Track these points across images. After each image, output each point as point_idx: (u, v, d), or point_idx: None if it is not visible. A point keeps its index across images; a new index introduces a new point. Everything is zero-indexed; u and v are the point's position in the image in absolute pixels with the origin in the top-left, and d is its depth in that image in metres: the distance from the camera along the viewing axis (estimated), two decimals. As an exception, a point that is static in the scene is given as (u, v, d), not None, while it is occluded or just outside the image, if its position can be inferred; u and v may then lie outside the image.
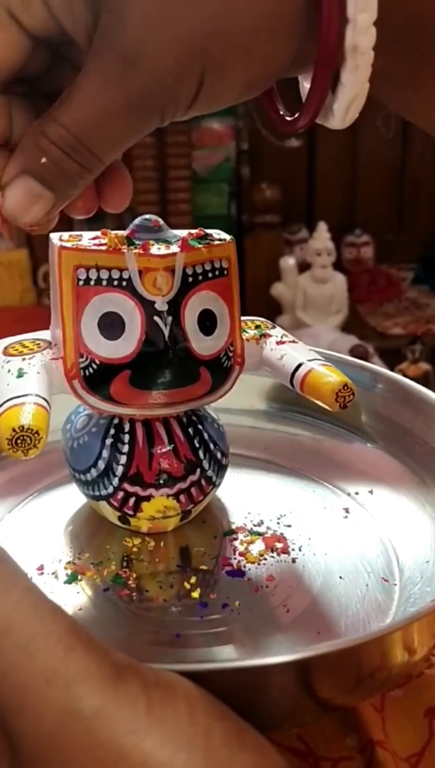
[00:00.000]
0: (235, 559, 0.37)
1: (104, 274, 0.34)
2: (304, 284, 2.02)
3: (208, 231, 0.38)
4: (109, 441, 0.37)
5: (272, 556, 0.38)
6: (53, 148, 0.26)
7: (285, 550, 0.38)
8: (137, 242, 0.35)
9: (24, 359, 0.35)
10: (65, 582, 0.35)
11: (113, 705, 0.20)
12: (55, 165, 0.27)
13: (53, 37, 0.27)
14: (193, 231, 0.37)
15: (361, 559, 0.37)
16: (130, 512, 0.37)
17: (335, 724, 0.32)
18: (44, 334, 0.37)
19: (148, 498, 0.37)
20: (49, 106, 0.29)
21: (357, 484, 0.44)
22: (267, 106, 0.31)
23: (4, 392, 0.33)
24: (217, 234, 0.38)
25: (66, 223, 0.33)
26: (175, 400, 0.36)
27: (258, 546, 0.38)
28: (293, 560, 0.37)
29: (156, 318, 0.34)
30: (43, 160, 0.27)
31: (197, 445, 0.38)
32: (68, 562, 0.37)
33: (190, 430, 0.38)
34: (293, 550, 0.38)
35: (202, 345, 0.36)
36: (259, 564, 0.37)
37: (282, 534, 0.39)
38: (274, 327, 0.42)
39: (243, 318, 0.39)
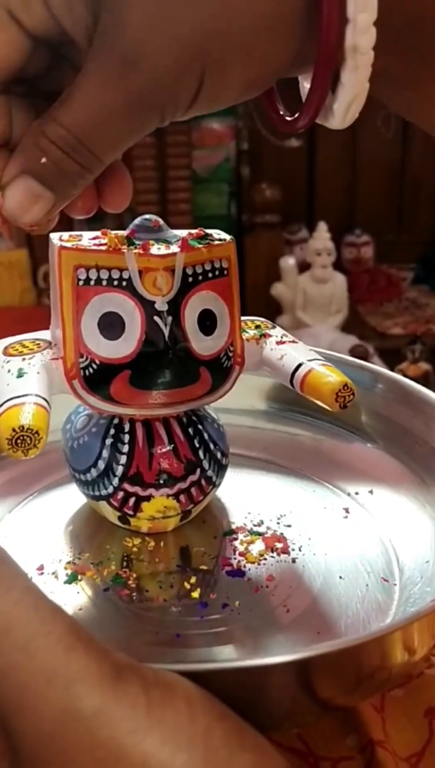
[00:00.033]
0: (235, 559, 0.37)
1: (104, 274, 0.34)
2: (304, 284, 2.02)
3: (208, 231, 0.38)
4: (109, 441, 0.37)
5: (272, 556, 0.38)
6: (53, 148, 0.26)
7: (285, 550, 0.38)
8: (137, 242, 0.35)
9: (24, 359, 0.35)
10: (65, 582, 0.35)
11: (113, 705, 0.20)
12: (55, 165, 0.27)
13: (53, 37, 0.27)
14: (193, 231, 0.37)
15: (361, 559, 0.37)
16: (130, 512, 0.37)
17: (335, 724, 0.32)
18: (44, 334, 0.37)
19: (148, 498, 0.37)
20: (49, 106, 0.29)
21: (357, 484, 0.44)
22: (267, 106, 0.31)
23: (4, 392, 0.33)
24: (217, 234, 0.38)
25: (66, 223, 0.33)
26: (175, 400, 0.36)
27: (258, 546, 0.38)
28: (293, 560, 0.37)
29: (156, 318, 0.34)
30: (43, 160, 0.27)
31: (197, 445, 0.38)
32: (68, 562, 0.37)
33: (190, 430, 0.38)
34: (293, 550, 0.38)
35: (202, 345, 0.36)
36: (259, 564, 0.37)
37: (282, 534, 0.39)
38: (274, 327, 0.42)
39: (243, 318, 0.39)
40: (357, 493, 0.43)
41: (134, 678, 0.20)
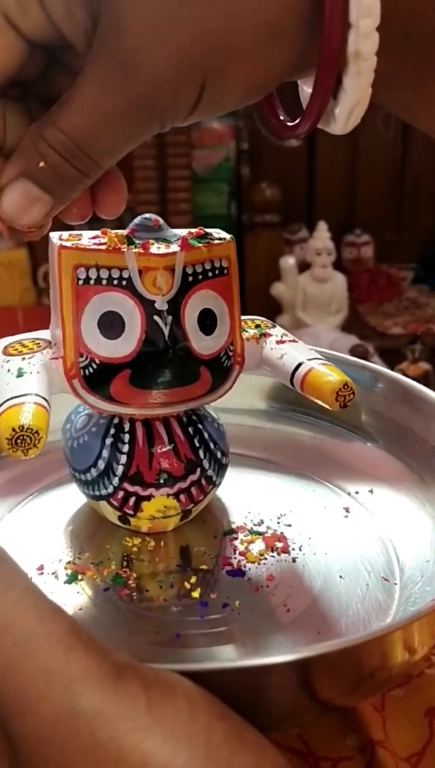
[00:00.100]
0: (235, 558, 0.37)
1: (104, 274, 0.34)
2: (304, 284, 2.02)
3: (208, 230, 0.37)
4: (109, 441, 0.37)
5: (272, 556, 0.38)
6: (52, 152, 0.26)
7: (285, 550, 0.38)
8: (137, 241, 0.35)
9: (24, 359, 0.35)
10: (65, 582, 0.35)
11: (113, 704, 0.20)
12: (53, 169, 0.27)
13: (50, 42, 0.27)
14: (193, 230, 0.37)
15: (362, 559, 0.37)
16: (131, 512, 0.37)
17: (335, 724, 0.32)
18: (44, 334, 0.37)
19: (148, 497, 0.37)
20: (44, 111, 0.29)
21: (357, 483, 0.44)
22: (266, 112, 0.31)
23: (3, 392, 0.33)
24: (217, 233, 0.37)
25: (66, 223, 0.33)
26: (175, 399, 0.36)
27: (258, 545, 0.38)
28: (293, 560, 0.37)
29: (156, 317, 0.34)
30: (42, 164, 0.27)
31: (197, 445, 0.38)
32: (68, 562, 0.37)
33: (190, 430, 0.38)
34: (293, 549, 0.38)
35: (202, 344, 0.36)
36: (259, 563, 0.37)
37: (282, 533, 0.39)
38: (274, 326, 0.42)
39: (243, 317, 0.39)
40: (357, 493, 0.43)
41: (134, 678, 0.20)
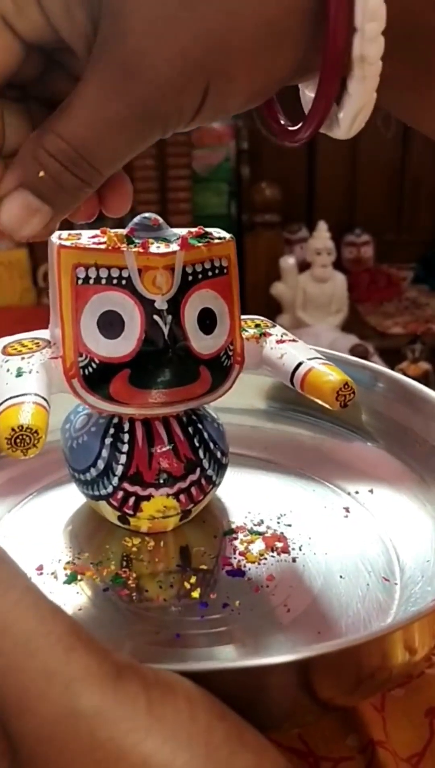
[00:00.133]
0: (235, 558, 0.37)
1: (103, 273, 0.34)
2: (304, 284, 2.02)
3: (208, 229, 0.37)
4: (108, 440, 0.37)
5: (272, 556, 0.37)
6: (52, 161, 0.26)
7: (285, 550, 0.38)
8: (137, 241, 0.35)
9: (23, 358, 0.35)
10: (65, 582, 0.35)
11: (113, 705, 0.19)
12: (54, 179, 0.26)
13: (48, 44, 0.27)
14: (193, 229, 0.37)
15: (362, 559, 0.37)
16: (130, 512, 0.37)
17: (335, 724, 0.32)
18: (43, 333, 0.37)
19: (147, 497, 0.37)
20: (43, 111, 0.29)
21: (357, 483, 0.44)
22: (267, 116, 0.31)
23: (3, 391, 0.33)
24: (217, 232, 0.37)
25: (65, 223, 0.33)
26: (174, 399, 0.36)
27: (258, 545, 0.38)
28: (293, 560, 0.37)
29: (155, 317, 0.34)
30: (42, 173, 0.26)
31: (197, 445, 0.38)
32: (68, 562, 0.37)
33: (190, 430, 0.38)
34: (293, 549, 0.38)
35: (202, 344, 0.36)
36: (259, 563, 0.37)
37: (282, 533, 0.39)
38: (273, 326, 0.42)
39: (242, 317, 0.39)
40: (357, 493, 0.43)
41: (134, 678, 0.20)
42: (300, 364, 0.38)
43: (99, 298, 0.34)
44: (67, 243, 0.34)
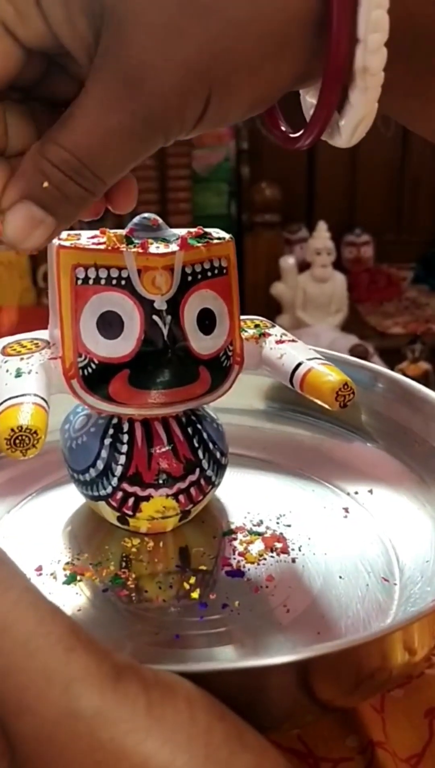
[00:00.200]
0: (234, 559, 0.37)
1: (103, 273, 0.34)
2: (303, 284, 2.02)
3: (207, 230, 0.37)
4: (108, 441, 0.37)
5: (272, 556, 0.37)
6: (56, 171, 0.26)
7: (284, 550, 0.38)
8: (136, 241, 0.35)
9: (22, 359, 0.35)
10: (64, 583, 0.35)
11: (113, 705, 0.19)
12: (58, 189, 0.26)
13: (49, 50, 0.27)
14: (192, 230, 0.37)
15: (361, 559, 0.37)
16: (129, 512, 0.37)
17: (335, 724, 0.32)
18: (42, 334, 0.37)
19: (147, 498, 0.37)
20: (45, 112, 0.29)
21: (357, 483, 0.44)
22: (268, 122, 0.31)
23: (2, 392, 0.33)
24: (217, 233, 0.37)
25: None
26: (174, 399, 0.36)
27: (257, 546, 0.38)
28: (293, 560, 0.37)
29: (155, 317, 0.34)
30: (45, 184, 0.26)
31: (196, 445, 0.38)
32: (67, 563, 0.37)
33: (190, 430, 0.38)
34: (293, 549, 0.38)
35: (202, 344, 0.36)
36: (258, 564, 0.37)
37: (281, 534, 0.39)
38: (273, 326, 0.42)
39: (242, 317, 0.39)
40: (357, 493, 0.43)
41: (134, 678, 0.20)
42: (299, 364, 0.38)
43: (98, 299, 0.34)
44: (67, 243, 0.34)
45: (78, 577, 0.36)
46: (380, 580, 0.36)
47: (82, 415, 0.39)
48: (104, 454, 0.37)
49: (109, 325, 0.34)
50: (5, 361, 0.35)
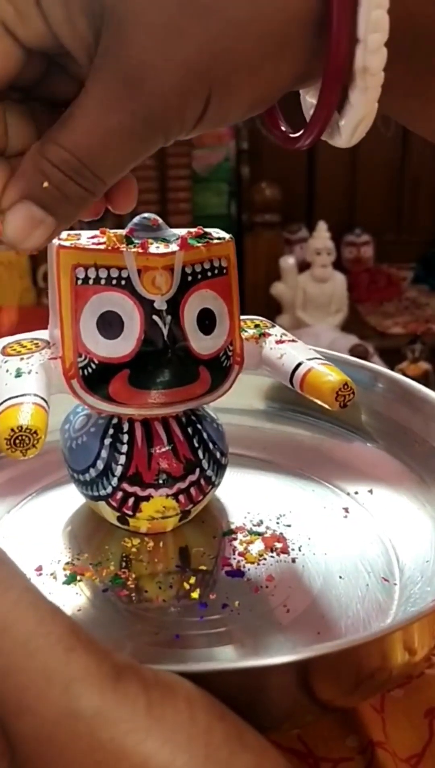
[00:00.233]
0: (234, 559, 0.37)
1: (103, 273, 0.34)
2: (303, 284, 2.02)
3: (207, 230, 0.37)
4: (107, 441, 0.37)
5: (272, 556, 0.37)
6: (56, 171, 0.26)
7: (284, 550, 0.38)
8: (136, 241, 0.35)
9: (22, 359, 0.35)
10: (64, 583, 0.35)
11: (113, 705, 0.19)
12: (58, 189, 0.26)
13: (50, 50, 0.27)
14: (192, 230, 0.37)
15: (361, 559, 0.37)
16: (129, 512, 0.37)
17: (335, 724, 0.32)
18: (42, 334, 0.37)
19: (147, 498, 0.37)
20: (45, 111, 0.29)
21: (357, 483, 0.44)
22: (268, 122, 0.31)
23: (2, 392, 0.33)
24: (216, 233, 0.37)
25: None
26: (174, 399, 0.36)
27: (257, 546, 0.38)
28: (293, 560, 0.37)
29: (155, 317, 0.34)
30: (45, 184, 0.26)
31: (196, 445, 0.38)
32: (67, 563, 0.37)
33: (190, 430, 0.38)
34: (293, 550, 0.38)
35: (202, 344, 0.36)
36: (258, 564, 0.37)
37: (281, 534, 0.39)
38: (273, 326, 0.42)
39: (242, 317, 0.39)
40: (357, 493, 0.43)
41: (134, 678, 0.20)
42: (299, 364, 0.38)
43: (98, 299, 0.34)
44: (67, 243, 0.34)
45: (78, 577, 0.36)
46: (380, 580, 0.36)
47: (82, 415, 0.39)
48: (104, 454, 0.37)
49: (109, 325, 0.34)
50: (5, 361, 0.35)
